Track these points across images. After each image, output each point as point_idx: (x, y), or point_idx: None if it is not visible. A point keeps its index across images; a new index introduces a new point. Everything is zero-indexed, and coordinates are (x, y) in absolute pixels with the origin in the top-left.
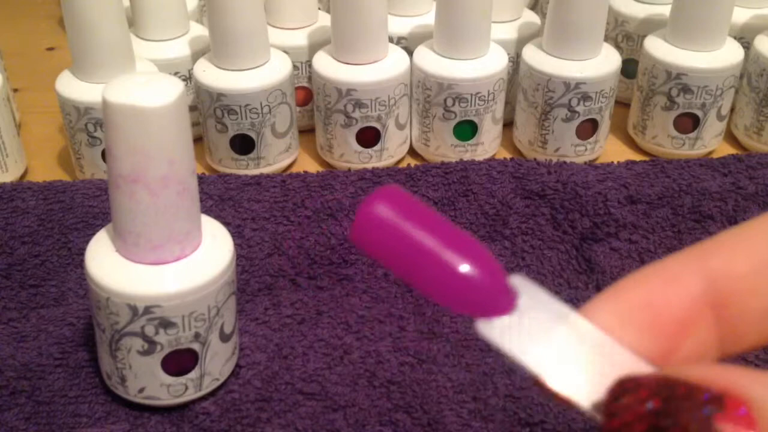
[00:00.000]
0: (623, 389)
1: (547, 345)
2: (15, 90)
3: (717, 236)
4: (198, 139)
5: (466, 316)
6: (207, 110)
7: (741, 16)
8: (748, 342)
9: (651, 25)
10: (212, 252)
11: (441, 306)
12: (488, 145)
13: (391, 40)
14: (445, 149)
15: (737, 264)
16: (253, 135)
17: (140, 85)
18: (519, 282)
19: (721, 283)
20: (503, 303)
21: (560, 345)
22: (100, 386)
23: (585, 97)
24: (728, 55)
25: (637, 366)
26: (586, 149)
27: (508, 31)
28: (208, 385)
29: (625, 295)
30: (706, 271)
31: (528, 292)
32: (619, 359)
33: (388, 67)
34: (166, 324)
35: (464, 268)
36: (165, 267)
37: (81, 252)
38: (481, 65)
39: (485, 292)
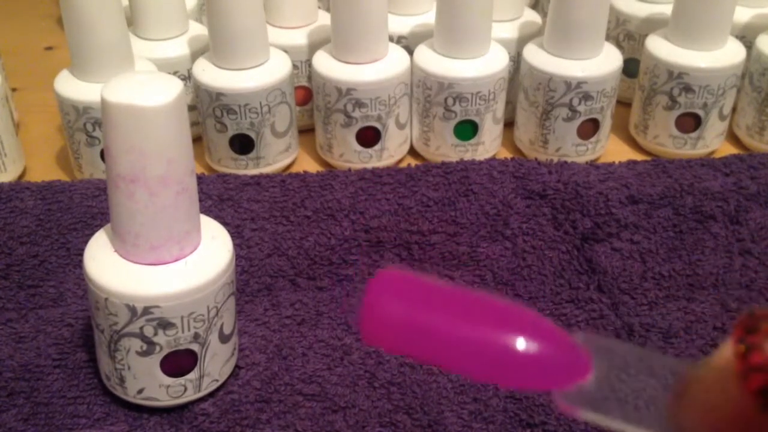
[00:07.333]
0: (757, 319)
1: (635, 403)
2: (13, 89)
3: None
4: (197, 139)
5: (543, 393)
6: (206, 110)
7: (743, 15)
8: None
9: (652, 25)
10: (211, 252)
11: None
12: (489, 144)
13: (391, 39)
14: (446, 149)
15: None
16: (252, 135)
17: (139, 84)
18: (586, 340)
19: None
20: (579, 370)
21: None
22: (99, 387)
23: (586, 97)
24: (730, 54)
25: None
26: (587, 149)
27: (508, 30)
28: (208, 386)
29: None
30: None
31: (599, 349)
32: None
33: (388, 66)
34: (165, 324)
35: (523, 345)
36: (164, 267)
37: (80, 252)
38: (482, 64)
39: (558, 365)
